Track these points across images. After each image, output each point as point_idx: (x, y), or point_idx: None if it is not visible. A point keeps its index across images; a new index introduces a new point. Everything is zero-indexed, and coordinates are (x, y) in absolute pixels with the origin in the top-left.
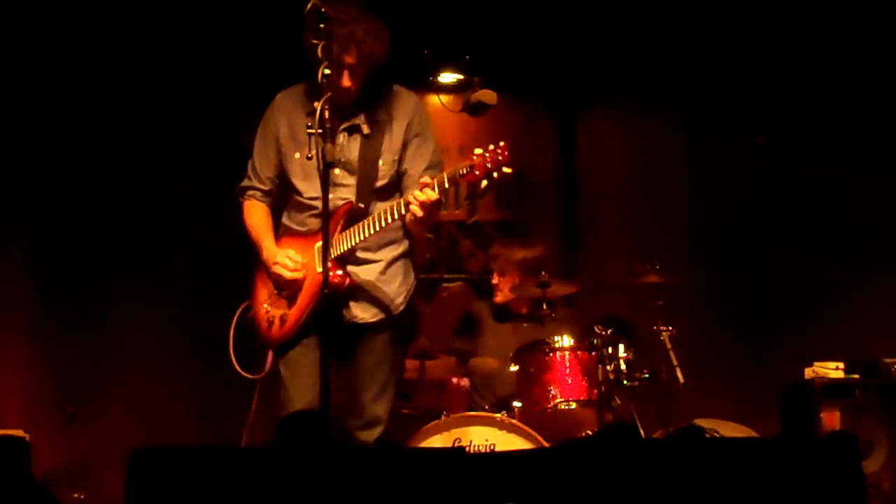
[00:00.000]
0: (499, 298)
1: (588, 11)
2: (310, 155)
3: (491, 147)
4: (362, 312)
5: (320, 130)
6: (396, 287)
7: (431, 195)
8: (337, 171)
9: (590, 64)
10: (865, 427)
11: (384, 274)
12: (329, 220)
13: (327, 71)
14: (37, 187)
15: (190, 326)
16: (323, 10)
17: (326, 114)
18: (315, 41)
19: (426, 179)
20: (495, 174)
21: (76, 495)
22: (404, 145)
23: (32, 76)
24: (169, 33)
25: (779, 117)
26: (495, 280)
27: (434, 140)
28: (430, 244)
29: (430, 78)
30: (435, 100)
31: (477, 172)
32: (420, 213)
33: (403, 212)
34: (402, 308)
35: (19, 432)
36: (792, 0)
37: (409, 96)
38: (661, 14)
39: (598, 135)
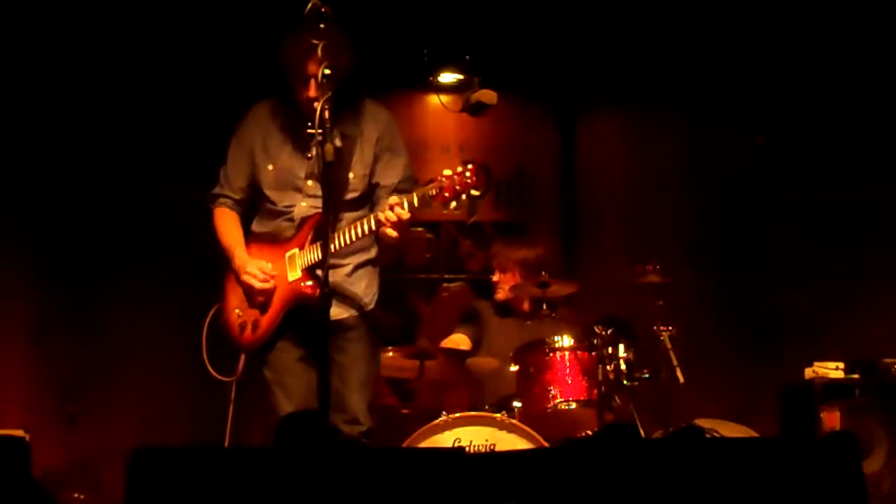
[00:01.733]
0: (500, 296)
1: (589, 12)
2: (310, 155)
3: (459, 169)
4: (333, 309)
5: (320, 131)
6: (364, 288)
7: (403, 214)
8: (310, 182)
9: (590, 64)
10: (865, 427)
11: (350, 276)
12: (297, 228)
13: (327, 71)
14: (37, 189)
15: (190, 327)
16: (323, 9)
17: (326, 114)
18: (315, 41)
19: (394, 199)
20: (463, 196)
21: (76, 495)
22: (375, 159)
23: (33, 79)
24: (169, 31)
25: (779, 117)
26: (496, 277)
27: (406, 153)
28: (429, 244)
29: (430, 78)
30: (435, 100)
31: (446, 194)
32: (392, 234)
33: (374, 228)
34: (370, 307)
35: (19, 432)
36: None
37: (379, 111)
38: (661, 15)
39: (599, 134)
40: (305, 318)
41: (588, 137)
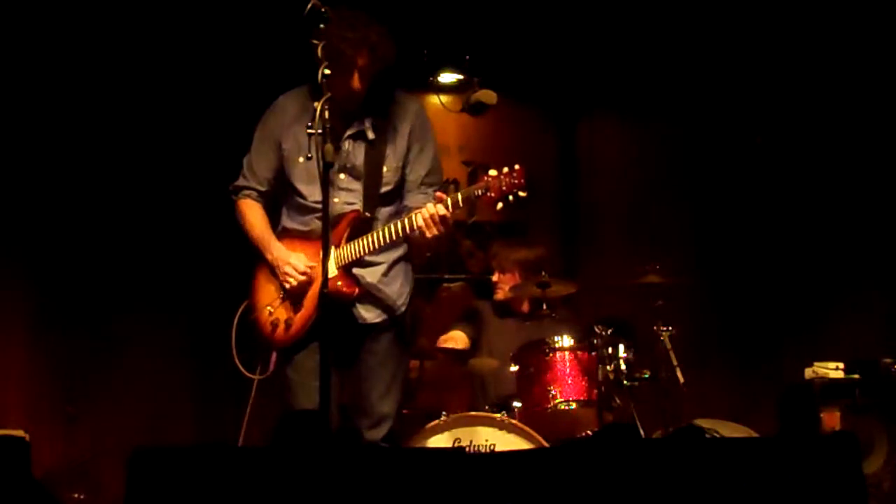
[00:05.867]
0: (499, 296)
1: (589, 17)
2: (309, 155)
3: (506, 170)
4: (367, 313)
5: (320, 130)
6: (398, 288)
7: (442, 210)
8: (342, 175)
9: (590, 64)
10: (865, 427)
11: (386, 276)
12: (332, 225)
13: (327, 71)
14: (36, 190)
15: (189, 326)
16: (323, 10)
17: (326, 114)
18: (315, 42)
19: (440, 194)
20: (510, 197)
21: (76, 495)
22: (408, 150)
23: (30, 92)
24: (166, 50)
25: (778, 117)
26: (495, 278)
27: (435, 145)
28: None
29: (430, 78)
30: (435, 100)
31: (492, 195)
32: (428, 229)
33: (415, 226)
34: (404, 308)
35: (19, 432)
36: (788, 4)
37: (411, 102)
38: (661, 18)
39: (599, 134)
40: (335, 321)
41: (588, 137)
